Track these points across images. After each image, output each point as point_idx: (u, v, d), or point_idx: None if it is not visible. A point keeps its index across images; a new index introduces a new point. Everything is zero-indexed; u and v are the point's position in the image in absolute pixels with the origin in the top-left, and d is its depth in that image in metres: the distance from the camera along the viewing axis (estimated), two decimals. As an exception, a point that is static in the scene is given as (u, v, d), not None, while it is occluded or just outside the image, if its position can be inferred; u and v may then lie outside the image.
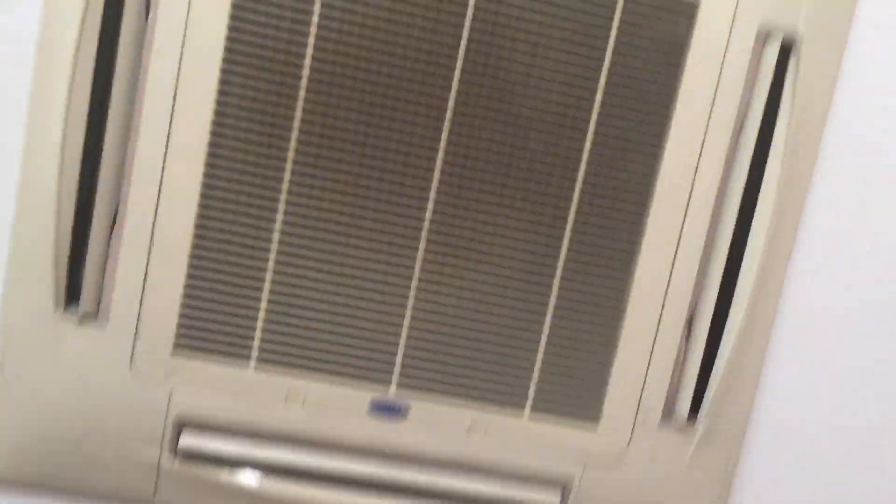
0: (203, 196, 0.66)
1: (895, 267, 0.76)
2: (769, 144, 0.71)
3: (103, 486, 0.70)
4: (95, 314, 0.68)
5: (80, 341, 0.68)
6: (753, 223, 0.72)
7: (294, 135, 0.66)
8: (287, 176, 0.66)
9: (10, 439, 0.69)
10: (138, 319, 0.67)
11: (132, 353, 0.68)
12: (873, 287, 0.76)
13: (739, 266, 0.73)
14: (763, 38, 0.69)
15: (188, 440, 0.70)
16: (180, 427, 0.70)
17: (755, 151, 0.71)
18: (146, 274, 0.67)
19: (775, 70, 0.70)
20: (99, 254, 0.67)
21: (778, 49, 0.69)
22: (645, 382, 0.73)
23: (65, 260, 0.67)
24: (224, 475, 0.70)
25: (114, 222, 0.67)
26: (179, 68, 0.64)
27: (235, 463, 0.71)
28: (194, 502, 0.71)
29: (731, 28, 0.68)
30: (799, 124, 0.71)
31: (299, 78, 0.65)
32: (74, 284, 0.68)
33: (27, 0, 0.64)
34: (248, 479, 0.71)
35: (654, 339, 0.73)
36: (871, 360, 0.78)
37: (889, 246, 0.76)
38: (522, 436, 0.73)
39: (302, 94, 0.65)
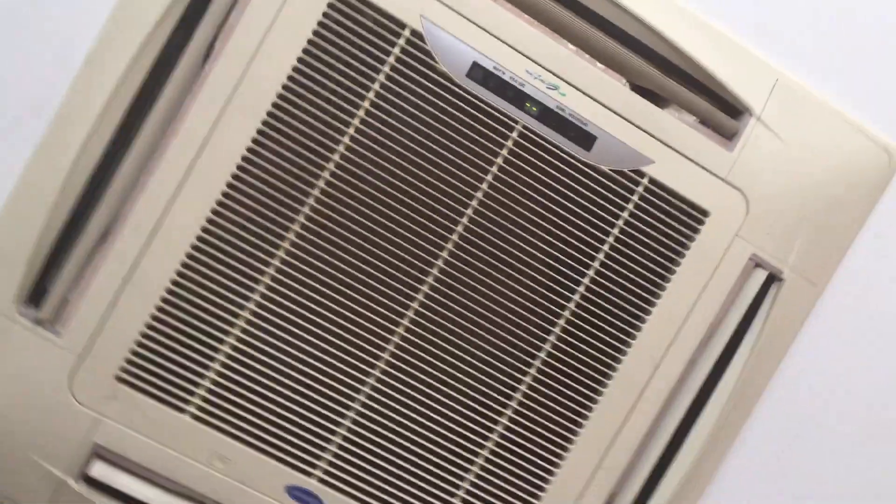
0: (193, 249, 0.67)
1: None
2: (728, 363, 0.75)
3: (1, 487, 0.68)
4: (52, 321, 0.67)
5: (30, 342, 0.67)
6: (700, 418, 0.76)
7: (292, 235, 0.68)
8: (273, 268, 0.68)
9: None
10: (94, 337, 0.67)
11: (76, 369, 0.67)
12: None
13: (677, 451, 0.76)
14: (754, 263, 0.74)
15: (98, 470, 0.69)
16: (94, 455, 0.69)
17: (716, 364, 0.75)
18: (117, 298, 0.67)
19: (756, 296, 0.75)
20: (77, 263, 0.67)
21: (763, 279, 0.74)
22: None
23: (42, 257, 0.67)
24: (120, 511, 0.69)
25: (104, 238, 0.67)
26: (216, 122, 0.66)
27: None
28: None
29: (730, 244, 0.72)
30: (759, 355, 0.75)
31: (315, 181, 0.67)
32: (42, 286, 0.67)
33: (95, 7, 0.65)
34: (144, 524, 0.70)
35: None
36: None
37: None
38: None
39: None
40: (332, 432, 0.71)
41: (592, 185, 0.70)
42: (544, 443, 0.73)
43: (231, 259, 0.68)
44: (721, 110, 0.72)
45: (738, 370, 0.75)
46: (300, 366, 0.69)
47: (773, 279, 0.75)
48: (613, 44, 0.69)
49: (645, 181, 0.71)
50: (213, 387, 0.69)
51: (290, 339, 0.69)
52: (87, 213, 0.67)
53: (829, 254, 0.76)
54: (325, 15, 0.66)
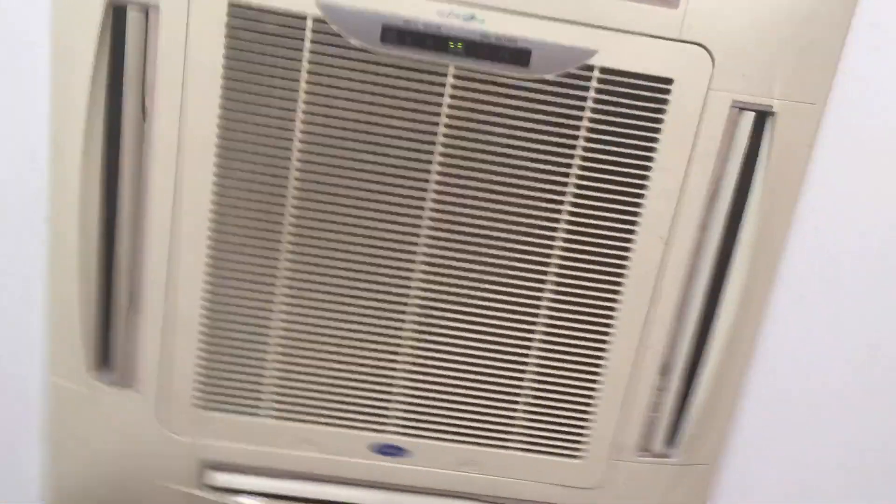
0: (208, 282, 0.73)
1: (869, 328, 0.79)
2: (743, 213, 0.74)
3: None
4: (126, 378, 0.77)
5: (114, 400, 0.77)
6: (729, 280, 0.76)
7: (287, 220, 0.72)
8: (284, 255, 0.73)
9: (62, 487, 0.80)
10: (161, 379, 0.76)
11: (159, 409, 0.77)
12: (847, 342, 0.80)
13: (715, 311, 0.77)
14: (738, 110, 0.70)
15: (214, 478, 0.80)
16: (207, 469, 0.80)
17: (730, 218, 0.74)
18: (165, 342, 0.75)
19: (751, 138, 0.72)
20: (123, 325, 0.75)
21: (752, 120, 0.71)
22: (621, 419, 0.79)
23: (93, 333, 0.75)
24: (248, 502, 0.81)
25: (134, 298, 0.75)
26: (178, 170, 0.70)
27: (258, 494, 0.81)
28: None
29: (705, 101, 0.70)
30: (773, 189, 0.73)
31: (291, 150, 0.70)
32: (105, 352, 0.76)
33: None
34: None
35: (633, 377, 0.78)
36: (845, 389, 0.82)
37: (866, 303, 0.79)
38: (511, 469, 0.81)
39: (295, 164, 0.70)
40: (390, 387, 0.77)
41: (545, 97, 0.69)
42: (585, 343, 0.77)
43: (244, 273, 0.73)
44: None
45: (755, 215, 0.74)
46: (342, 344, 0.76)
47: (764, 116, 0.71)
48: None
49: (596, 73, 0.68)
50: (275, 387, 0.77)
51: (322, 323, 0.75)
52: (111, 282, 0.74)
53: (819, 67, 0.71)
54: (228, 37, 0.66)
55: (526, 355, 0.77)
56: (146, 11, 0.66)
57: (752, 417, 0.83)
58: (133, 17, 0.66)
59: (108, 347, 0.76)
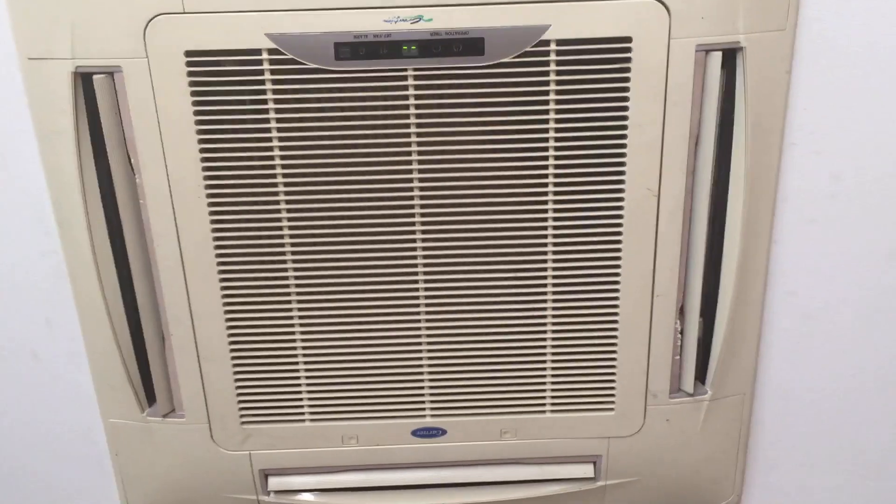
0: (227, 313, 0.77)
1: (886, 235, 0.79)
2: (730, 153, 0.73)
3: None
4: (174, 409, 0.82)
5: (168, 432, 0.83)
6: (727, 218, 0.76)
7: (287, 240, 0.75)
8: (291, 273, 0.76)
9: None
10: (207, 405, 0.81)
11: (211, 431, 0.83)
12: (864, 251, 0.80)
13: (721, 253, 0.78)
14: (704, 52, 0.69)
15: (274, 483, 0.86)
16: (265, 475, 0.85)
17: (718, 160, 0.74)
18: (202, 372, 0.80)
19: (726, 76, 0.71)
20: (160, 363, 0.80)
21: (720, 62, 0.70)
22: (648, 365, 0.81)
23: (134, 375, 0.81)
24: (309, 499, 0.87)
25: (163, 336, 0.79)
26: (175, 217, 0.73)
27: (315, 491, 0.86)
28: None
29: (668, 51, 0.69)
30: (758, 123, 0.72)
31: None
32: (151, 390, 0.82)
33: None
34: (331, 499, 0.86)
35: (650, 325, 0.79)
36: (866, 315, 0.82)
37: (877, 212, 0.78)
38: (549, 430, 0.84)
39: (281, 188, 0.73)
40: (419, 375, 0.81)
41: (507, 79, 0.69)
42: (597, 300, 0.78)
43: (258, 296, 0.77)
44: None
45: (743, 150, 0.73)
46: (364, 344, 0.79)
47: (735, 52, 0.70)
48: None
49: (552, 47, 0.68)
50: (310, 394, 0.81)
51: (339, 328, 0.79)
52: (140, 328, 0.79)
53: (782, -9, 0.69)
54: (192, 84, 0.69)
55: (542, 320, 0.79)
56: (111, 73, 0.69)
57: (781, 343, 0.84)
58: (100, 82, 0.69)
59: (151, 384, 0.82)
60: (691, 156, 0.73)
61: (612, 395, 0.82)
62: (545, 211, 0.74)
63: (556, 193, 0.74)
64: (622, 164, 0.73)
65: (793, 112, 0.74)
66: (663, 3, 0.67)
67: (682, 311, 0.80)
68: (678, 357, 0.82)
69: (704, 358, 0.83)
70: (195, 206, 0.73)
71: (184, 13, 0.66)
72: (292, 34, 0.67)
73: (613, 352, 0.80)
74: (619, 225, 0.75)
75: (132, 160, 0.72)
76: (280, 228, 0.74)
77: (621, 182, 0.73)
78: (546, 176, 0.73)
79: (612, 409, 0.83)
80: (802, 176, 0.77)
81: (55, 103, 0.69)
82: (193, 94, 0.69)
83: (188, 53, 0.67)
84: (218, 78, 0.69)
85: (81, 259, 0.75)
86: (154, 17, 0.66)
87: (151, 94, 0.69)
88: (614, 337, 0.80)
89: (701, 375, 0.83)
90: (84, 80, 0.69)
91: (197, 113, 0.70)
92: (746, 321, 0.81)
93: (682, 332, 0.81)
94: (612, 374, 0.81)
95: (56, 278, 0.78)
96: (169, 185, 0.72)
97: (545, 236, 0.75)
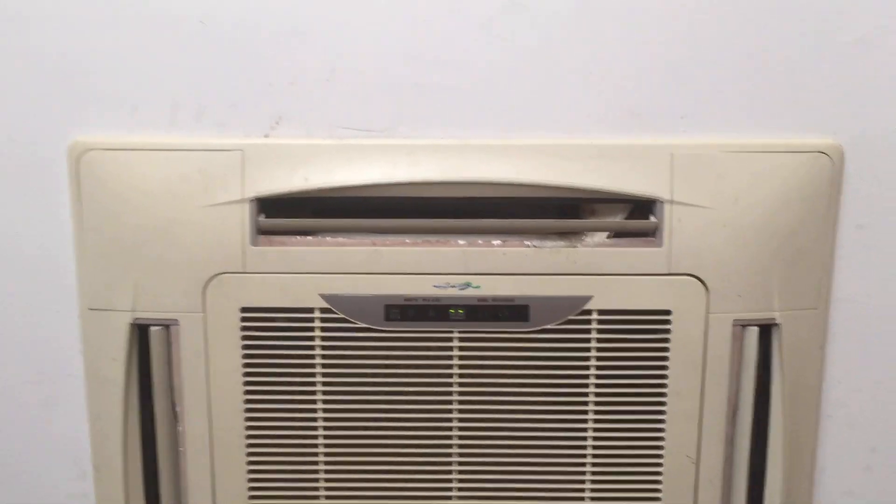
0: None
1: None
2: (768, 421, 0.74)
3: None
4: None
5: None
6: (766, 487, 0.76)
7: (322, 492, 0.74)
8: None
9: None
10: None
11: None
12: None
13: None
14: (741, 327, 0.72)
15: None
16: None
17: (755, 430, 0.74)
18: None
19: (762, 347, 0.73)
20: None
21: (757, 336, 0.72)
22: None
23: None
24: None
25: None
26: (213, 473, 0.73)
27: None
28: None
29: (707, 325, 0.71)
30: (793, 395, 0.73)
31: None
32: None
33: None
34: None
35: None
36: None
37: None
38: None
39: (321, 440, 0.72)
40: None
41: (548, 345, 0.71)
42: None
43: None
44: (633, 216, 0.71)
45: (780, 422, 0.74)
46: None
47: (769, 329, 0.72)
48: (496, 221, 0.70)
49: (594, 316, 0.71)
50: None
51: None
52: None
53: (814, 274, 0.72)
54: (244, 339, 0.71)
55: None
56: (167, 326, 0.71)
57: None
58: (156, 334, 0.71)
59: None
60: (730, 424, 0.74)
61: None
62: (583, 474, 0.74)
63: (594, 457, 0.74)
64: (661, 430, 0.73)
65: (828, 385, 0.75)
66: (701, 281, 0.70)
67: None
68: None
69: None
70: (233, 458, 0.73)
71: (244, 273, 0.70)
72: (345, 295, 0.70)
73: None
74: (659, 490, 0.74)
75: (176, 408, 0.73)
76: (316, 481, 0.74)
77: (660, 448, 0.73)
78: (585, 439, 0.73)
79: None
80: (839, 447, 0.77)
81: (109, 352, 0.71)
82: (244, 346, 0.71)
83: (244, 309, 0.70)
84: (269, 331, 0.71)
85: (112, 504, 0.74)
86: (215, 276, 0.70)
87: (204, 346, 0.71)
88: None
89: None
90: (140, 331, 0.71)
91: (246, 365, 0.71)
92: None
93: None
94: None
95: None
96: (210, 436, 0.72)
97: (582, 500, 0.74)
